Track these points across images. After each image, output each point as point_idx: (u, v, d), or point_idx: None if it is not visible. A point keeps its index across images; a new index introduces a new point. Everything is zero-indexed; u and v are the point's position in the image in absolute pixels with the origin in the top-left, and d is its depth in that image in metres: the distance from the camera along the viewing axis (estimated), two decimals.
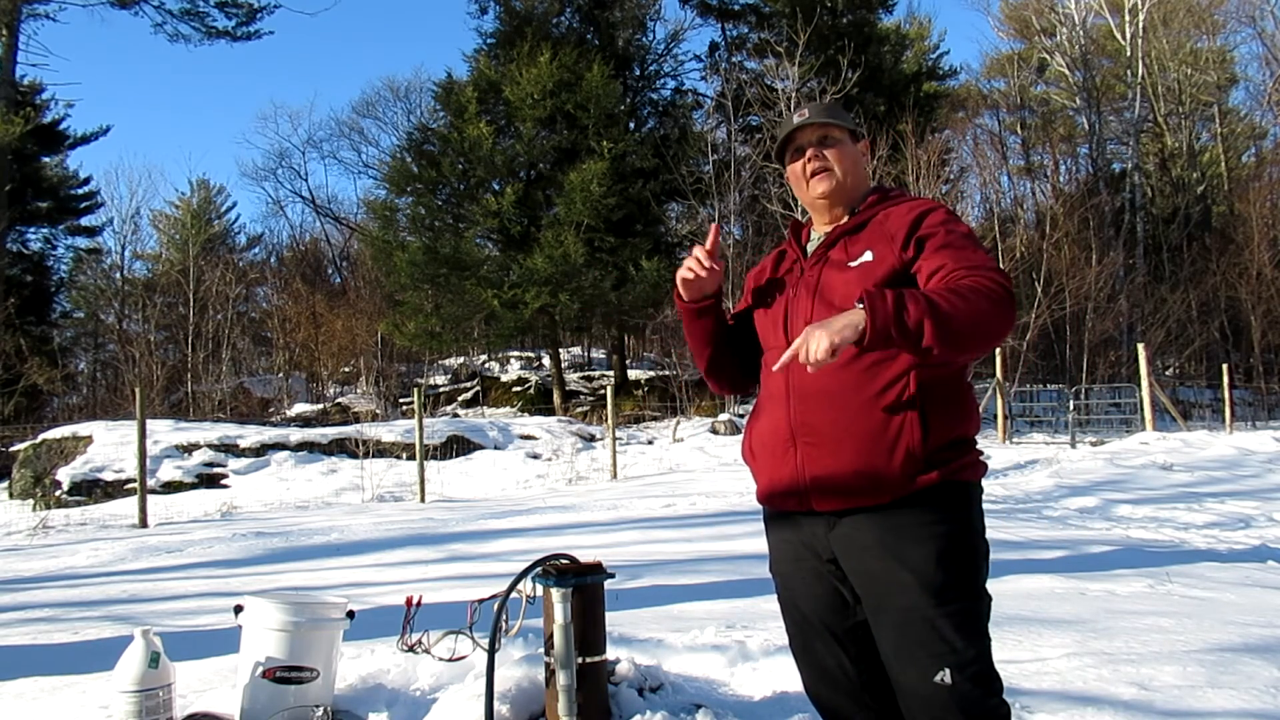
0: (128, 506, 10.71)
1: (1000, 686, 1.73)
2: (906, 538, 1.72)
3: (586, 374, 25.83)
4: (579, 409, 20.74)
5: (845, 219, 1.95)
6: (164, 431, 13.81)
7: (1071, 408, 15.87)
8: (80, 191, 29.45)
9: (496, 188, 20.80)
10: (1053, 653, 3.32)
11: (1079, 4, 27.27)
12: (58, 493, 12.77)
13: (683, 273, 1.98)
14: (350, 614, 2.80)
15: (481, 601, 2.53)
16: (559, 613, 2.39)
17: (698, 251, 1.96)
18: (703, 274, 1.97)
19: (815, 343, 1.58)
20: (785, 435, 1.85)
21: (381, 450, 14.13)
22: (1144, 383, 14.75)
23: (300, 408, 23.32)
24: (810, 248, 1.98)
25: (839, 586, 1.85)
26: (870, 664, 1.85)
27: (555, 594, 2.40)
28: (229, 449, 13.71)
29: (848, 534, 1.79)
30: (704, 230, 20.88)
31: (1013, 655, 3.23)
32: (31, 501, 12.73)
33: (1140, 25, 26.28)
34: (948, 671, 1.67)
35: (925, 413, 1.74)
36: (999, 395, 15.41)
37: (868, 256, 1.83)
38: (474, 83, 20.93)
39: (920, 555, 1.72)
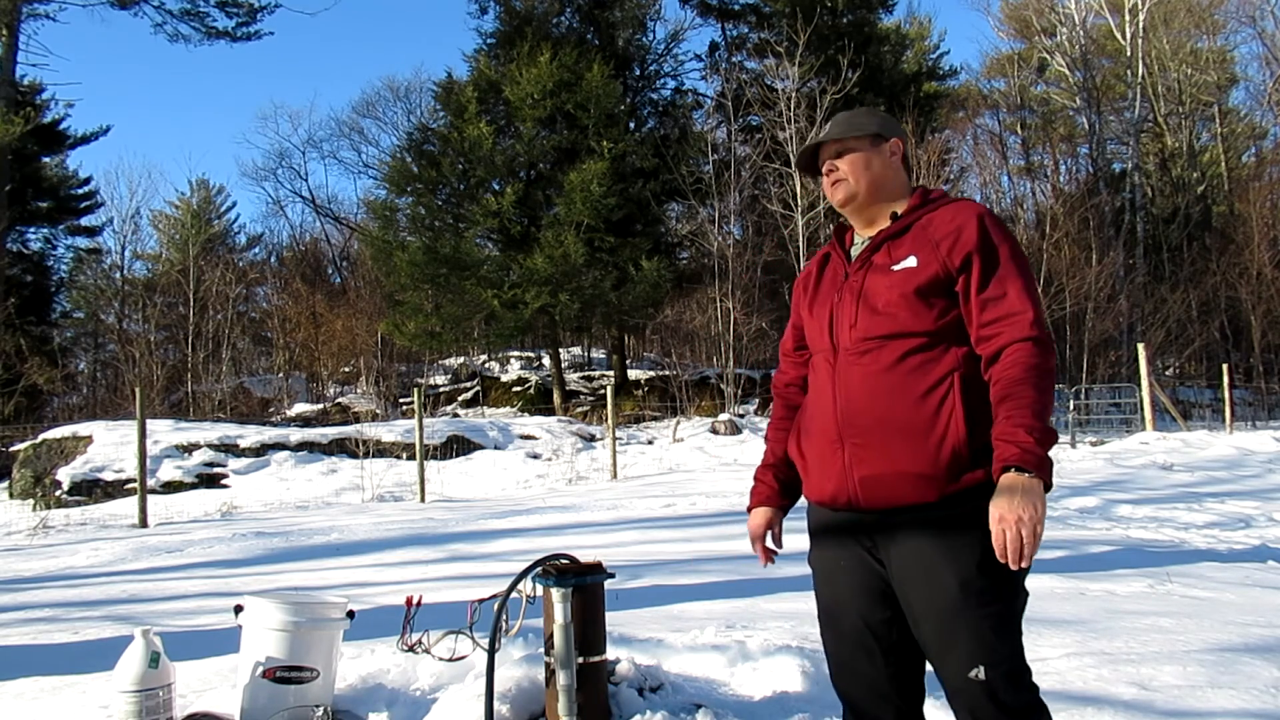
0: (128, 506, 10.71)
1: (1030, 677, 1.78)
2: (951, 539, 1.76)
3: (586, 374, 25.81)
4: (579, 409, 20.74)
5: (888, 223, 1.98)
6: (164, 431, 13.81)
7: (1071, 408, 15.87)
8: (80, 191, 29.46)
9: (496, 188, 20.77)
10: (1053, 653, 3.32)
11: (1079, 4, 27.27)
12: (58, 493, 12.77)
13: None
14: (350, 614, 2.80)
15: (481, 601, 2.53)
16: (559, 613, 2.40)
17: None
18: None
19: (1029, 535, 1.63)
20: (833, 435, 1.88)
21: (381, 450, 14.13)
22: (1144, 383, 14.74)
23: (300, 408, 23.32)
24: (854, 252, 2.03)
25: (877, 582, 1.88)
26: (900, 658, 1.89)
27: (555, 594, 2.40)
28: (229, 449, 13.70)
29: (892, 532, 1.83)
30: (704, 230, 20.90)
31: None
32: (31, 501, 12.73)
33: (1140, 25, 26.27)
34: (982, 669, 1.72)
35: (969, 412, 1.77)
36: None
37: (911, 262, 1.87)
38: (474, 83, 20.91)
39: (963, 558, 1.76)
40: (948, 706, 1.82)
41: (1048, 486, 1.68)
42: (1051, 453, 1.71)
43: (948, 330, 1.84)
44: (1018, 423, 1.69)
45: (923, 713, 1.95)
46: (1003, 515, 1.64)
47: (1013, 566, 1.65)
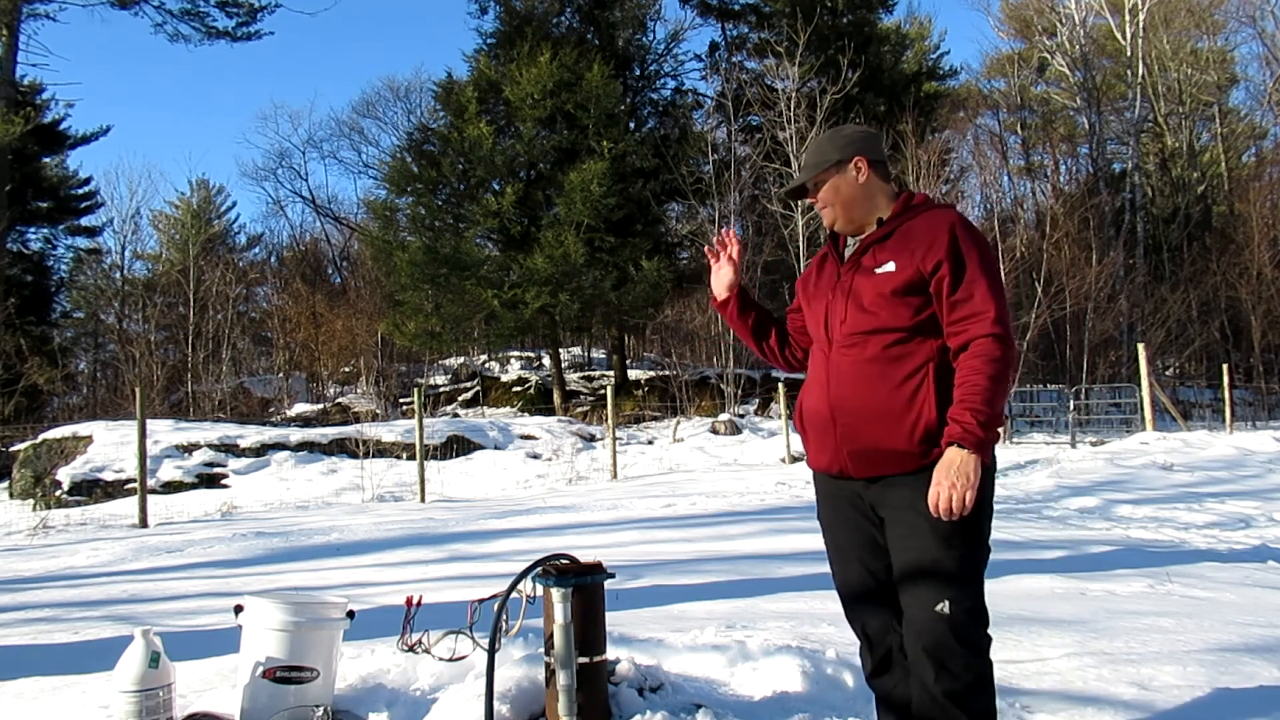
0: (128, 506, 10.71)
1: (987, 621, 2.09)
2: (925, 497, 2.03)
3: (586, 374, 25.81)
4: (579, 409, 20.74)
5: (874, 228, 2.24)
6: (164, 431, 13.81)
7: (1072, 408, 15.87)
8: (80, 191, 29.45)
9: (496, 188, 20.78)
10: (1053, 653, 3.32)
11: (1079, 4, 27.26)
12: (58, 493, 12.77)
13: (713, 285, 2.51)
14: (350, 614, 2.79)
15: (481, 601, 2.53)
16: (559, 613, 2.40)
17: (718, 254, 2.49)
18: (717, 265, 2.48)
19: (959, 499, 1.96)
20: (826, 414, 2.20)
21: (381, 450, 14.13)
22: (1144, 383, 14.74)
23: (300, 408, 23.33)
24: (847, 253, 2.31)
25: (872, 533, 2.22)
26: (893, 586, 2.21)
27: (555, 594, 2.40)
28: (229, 449, 13.71)
29: (880, 494, 2.17)
30: (704, 230, 20.91)
31: (1013, 655, 3.23)
32: (31, 501, 12.73)
33: (1140, 25, 26.27)
34: (947, 603, 2.03)
35: (940, 397, 2.07)
36: None
37: (890, 267, 2.15)
38: (474, 83, 20.91)
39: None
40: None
41: (986, 461, 2.00)
42: (1006, 438, 1.92)
43: (923, 325, 2.12)
44: (967, 406, 2.00)
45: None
46: (939, 481, 1.99)
47: (945, 518, 1.98)
